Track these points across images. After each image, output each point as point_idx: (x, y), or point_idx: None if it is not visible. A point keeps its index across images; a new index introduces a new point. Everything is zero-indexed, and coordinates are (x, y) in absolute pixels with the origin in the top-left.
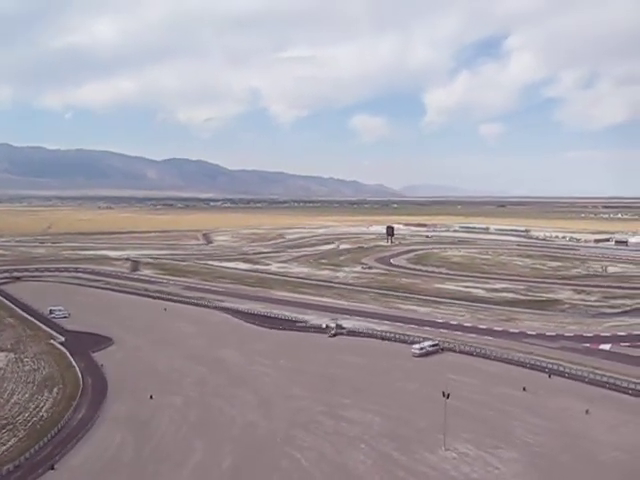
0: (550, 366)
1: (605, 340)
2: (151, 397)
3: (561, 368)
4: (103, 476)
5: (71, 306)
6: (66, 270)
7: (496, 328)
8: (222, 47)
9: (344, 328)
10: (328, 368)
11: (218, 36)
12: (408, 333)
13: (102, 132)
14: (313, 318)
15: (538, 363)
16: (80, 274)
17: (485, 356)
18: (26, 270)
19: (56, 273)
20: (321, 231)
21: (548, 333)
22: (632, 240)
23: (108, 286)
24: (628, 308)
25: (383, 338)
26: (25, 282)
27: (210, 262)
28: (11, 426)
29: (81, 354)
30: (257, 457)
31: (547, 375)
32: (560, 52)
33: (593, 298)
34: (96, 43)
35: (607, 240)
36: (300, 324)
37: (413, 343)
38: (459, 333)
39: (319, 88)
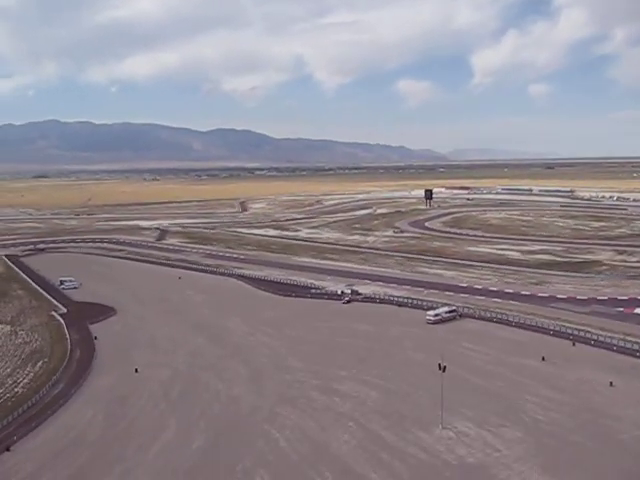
0: (575, 333)
1: None
2: (136, 370)
3: (588, 335)
4: (60, 458)
5: (86, 276)
6: (92, 241)
7: (523, 292)
8: (263, 15)
9: (360, 294)
10: (334, 337)
11: (258, 4)
12: (426, 299)
13: (148, 105)
14: (330, 284)
15: (563, 330)
16: (105, 244)
17: (506, 322)
18: (53, 242)
19: (81, 244)
20: (361, 197)
21: (579, 297)
22: None
23: (129, 256)
24: None
25: (399, 304)
26: (48, 254)
27: (239, 229)
28: None
29: (78, 326)
30: (232, 437)
31: (571, 343)
32: (612, 7)
33: (635, 259)
34: (139, 17)
35: None
36: (315, 291)
37: (430, 309)
38: (482, 298)
39: (363, 53)
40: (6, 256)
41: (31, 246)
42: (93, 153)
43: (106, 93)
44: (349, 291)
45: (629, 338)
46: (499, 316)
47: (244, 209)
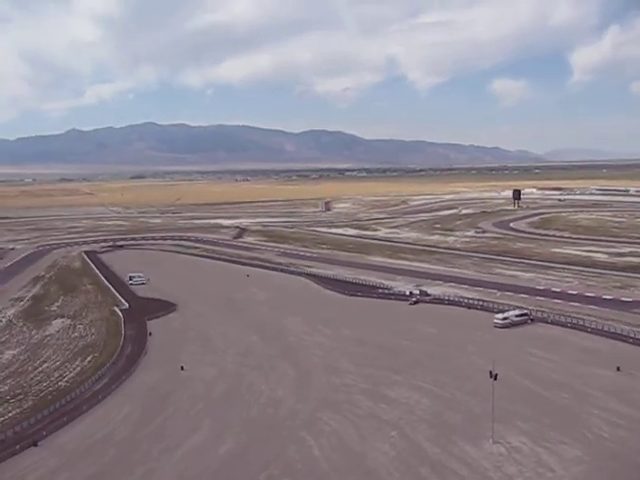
0: None
1: None
2: (182, 368)
3: None
4: (85, 456)
5: (155, 273)
6: (170, 238)
7: (605, 296)
8: (356, 16)
9: (429, 295)
10: (394, 339)
11: (352, 5)
12: (499, 301)
13: (241, 107)
14: (400, 284)
15: None
16: (183, 242)
17: (581, 328)
18: (132, 239)
19: (160, 241)
20: (449, 197)
21: None
22: None
23: (204, 253)
24: None
25: (469, 306)
26: (126, 250)
27: (318, 228)
28: (22, 395)
29: (137, 321)
30: (263, 442)
31: None
32: None
33: None
34: (234, 20)
35: None
36: (382, 291)
37: (499, 312)
38: (559, 301)
39: (457, 53)
40: (85, 252)
41: (111, 243)
42: (188, 155)
43: (201, 96)
44: (417, 292)
45: None
46: (574, 321)
47: (327, 209)
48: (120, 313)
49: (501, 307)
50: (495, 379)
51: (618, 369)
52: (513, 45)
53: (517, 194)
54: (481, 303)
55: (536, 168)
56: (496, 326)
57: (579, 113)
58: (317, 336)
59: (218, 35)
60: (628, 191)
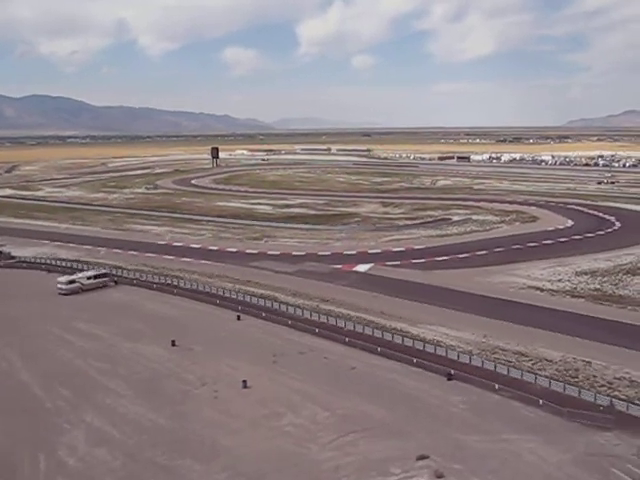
0: (256, 302)
1: (369, 259)
2: None
3: (268, 304)
4: None
5: None
6: None
7: (230, 249)
8: None
9: (13, 258)
10: None
11: None
12: (98, 261)
13: None
14: None
15: (238, 297)
16: None
17: (168, 290)
18: None
19: None
20: (154, 159)
21: (296, 253)
22: (474, 157)
23: None
24: (430, 219)
25: (49, 269)
26: None
27: None
28: None
29: None
30: None
31: (236, 316)
32: None
33: (399, 210)
34: None
35: (451, 158)
36: None
37: (68, 275)
38: (170, 258)
39: (189, 19)
40: None
41: None
42: None
43: None
44: None
45: (323, 306)
46: (168, 281)
47: (8, 172)
48: None
49: (92, 267)
50: None
51: (173, 344)
52: (244, 14)
53: (215, 152)
54: (68, 264)
55: (261, 135)
56: (60, 292)
57: (306, 83)
58: None
59: None
60: (330, 150)
